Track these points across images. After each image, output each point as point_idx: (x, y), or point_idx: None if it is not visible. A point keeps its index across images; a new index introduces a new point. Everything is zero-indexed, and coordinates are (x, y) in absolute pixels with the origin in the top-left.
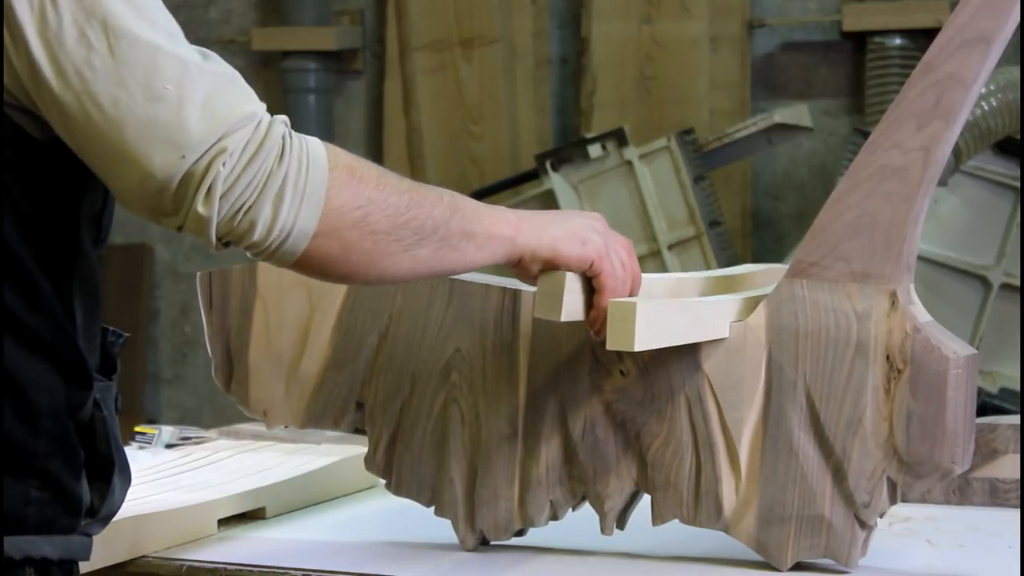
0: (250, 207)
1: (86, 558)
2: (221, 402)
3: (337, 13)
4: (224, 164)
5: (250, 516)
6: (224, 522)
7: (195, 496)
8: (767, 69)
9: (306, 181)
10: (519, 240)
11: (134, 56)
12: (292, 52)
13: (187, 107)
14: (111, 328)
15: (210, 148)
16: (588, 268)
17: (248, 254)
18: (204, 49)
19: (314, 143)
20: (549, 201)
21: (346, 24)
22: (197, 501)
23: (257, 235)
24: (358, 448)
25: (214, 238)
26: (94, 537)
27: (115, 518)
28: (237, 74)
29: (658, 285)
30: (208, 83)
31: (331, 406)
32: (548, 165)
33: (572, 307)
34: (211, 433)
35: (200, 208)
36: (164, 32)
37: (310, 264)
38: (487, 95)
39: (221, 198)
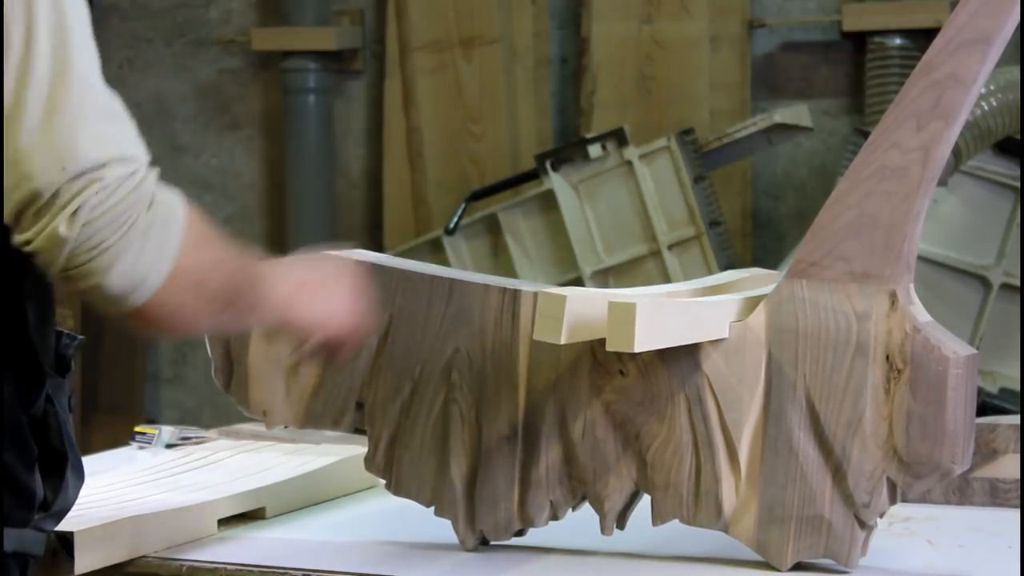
0: (109, 247)
1: (39, 552)
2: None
3: (337, 13)
4: (97, 193)
5: (250, 516)
6: (224, 522)
7: (195, 496)
8: (767, 69)
9: (166, 237)
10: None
11: (47, 64)
12: (292, 52)
13: (82, 126)
14: (66, 331)
15: (89, 171)
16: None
17: (80, 290)
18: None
19: (176, 201)
20: (549, 201)
21: (346, 24)
22: (197, 501)
23: (109, 277)
24: (357, 448)
25: (61, 261)
26: (93, 538)
27: (115, 518)
28: (132, 122)
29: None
30: (108, 114)
31: (331, 406)
32: (548, 165)
33: (573, 329)
34: (211, 433)
35: (61, 228)
36: (85, 56)
37: (138, 315)
38: (487, 95)
39: (84, 225)
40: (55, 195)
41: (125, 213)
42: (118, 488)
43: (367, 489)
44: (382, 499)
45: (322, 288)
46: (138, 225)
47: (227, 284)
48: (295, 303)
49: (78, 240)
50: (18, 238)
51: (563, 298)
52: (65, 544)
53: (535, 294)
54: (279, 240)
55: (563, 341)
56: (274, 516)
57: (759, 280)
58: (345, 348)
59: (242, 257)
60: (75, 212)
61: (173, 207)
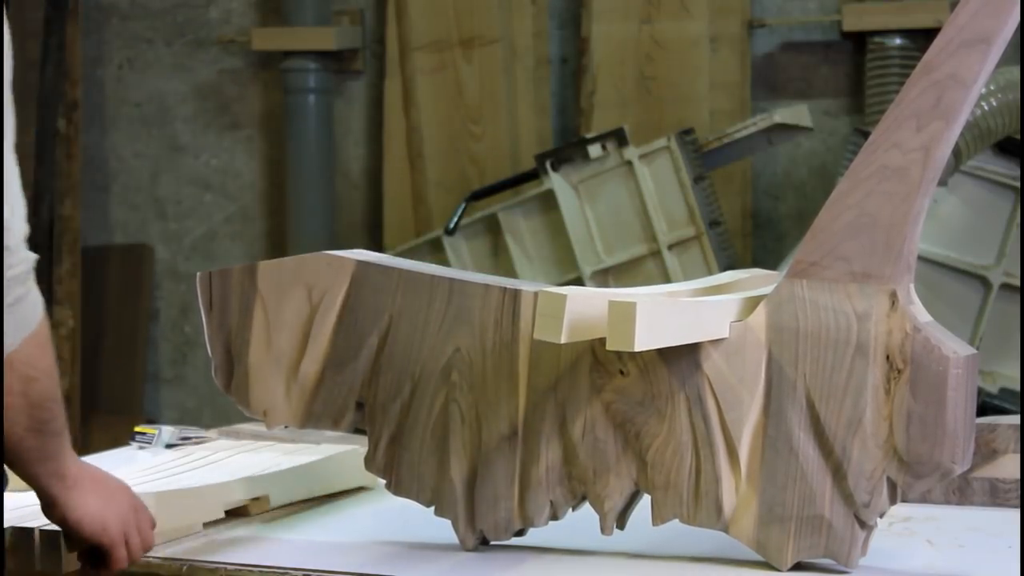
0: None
1: None
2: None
3: (337, 13)
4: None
5: (250, 515)
6: (223, 522)
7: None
8: (767, 69)
9: (28, 312)
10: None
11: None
12: (292, 52)
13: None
14: None
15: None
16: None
17: None
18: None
19: (37, 302)
20: (549, 201)
21: (346, 24)
22: (202, 483)
23: None
24: (349, 446)
25: None
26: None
27: None
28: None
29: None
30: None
31: (331, 406)
32: (548, 165)
33: (573, 328)
34: (211, 433)
35: None
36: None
37: None
38: (487, 95)
39: None
40: None
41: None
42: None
43: (361, 489)
44: (382, 499)
45: (106, 489)
46: (13, 293)
47: (46, 406)
48: (75, 486)
49: None
50: None
51: (563, 297)
52: (54, 540)
53: (535, 294)
54: (279, 240)
55: (563, 340)
56: (264, 512)
57: (759, 280)
58: (112, 561)
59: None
60: None
61: (38, 299)
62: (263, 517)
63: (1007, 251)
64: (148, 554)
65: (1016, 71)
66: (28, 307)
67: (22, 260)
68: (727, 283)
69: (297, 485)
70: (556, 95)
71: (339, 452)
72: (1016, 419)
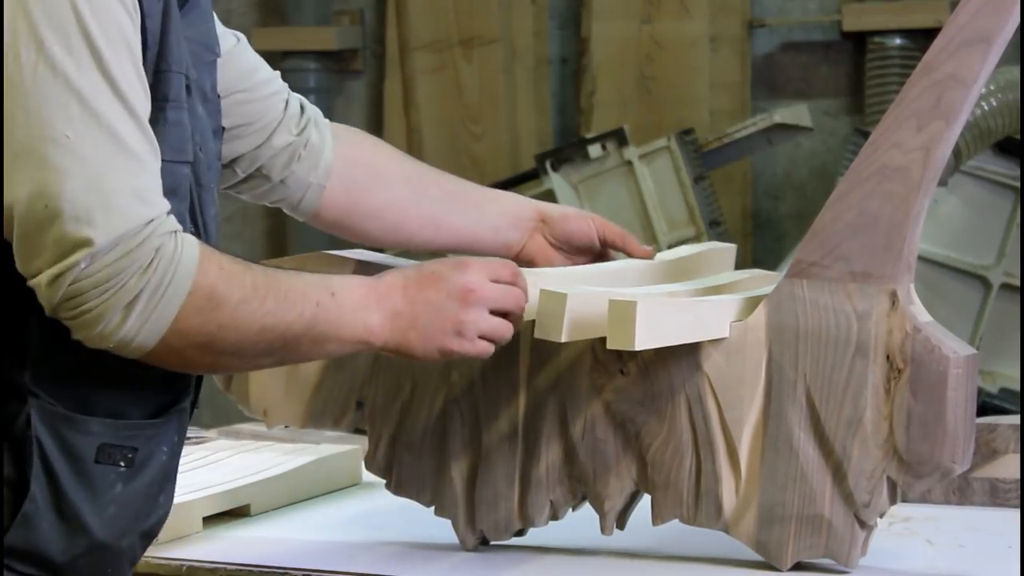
0: (91, 310)
1: None
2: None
3: (337, 13)
4: (84, 261)
5: (248, 515)
6: (224, 522)
7: (190, 496)
8: (767, 69)
9: (160, 300)
10: (375, 344)
11: (48, 89)
12: (292, 52)
13: (76, 168)
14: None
15: (77, 230)
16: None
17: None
18: (152, 137)
19: (188, 256)
20: (549, 201)
21: (346, 24)
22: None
23: (94, 333)
24: (348, 445)
25: (48, 308)
26: None
27: None
28: (154, 166)
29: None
30: (114, 162)
31: (331, 406)
32: (548, 165)
33: (573, 327)
34: (211, 433)
35: (44, 282)
36: (108, 91)
37: (155, 362)
38: (487, 95)
39: (70, 285)
40: (41, 235)
41: (113, 278)
42: None
43: (360, 488)
44: (381, 499)
45: (422, 316)
46: (126, 290)
47: (255, 339)
48: (391, 335)
49: (61, 300)
50: (17, 260)
51: (564, 296)
52: None
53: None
54: (279, 240)
55: (564, 339)
56: (259, 513)
57: (760, 280)
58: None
59: (289, 296)
60: (59, 276)
61: (178, 267)
62: (263, 517)
63: (1007, 251)
64: (148, 554)
65: (1016, 71)
66: (150, 297)
67: (140, 241)
68: (727, 283)
69: (279, 493)
70: (556, 95)
71: (321, 456)
72: (1016, 419)
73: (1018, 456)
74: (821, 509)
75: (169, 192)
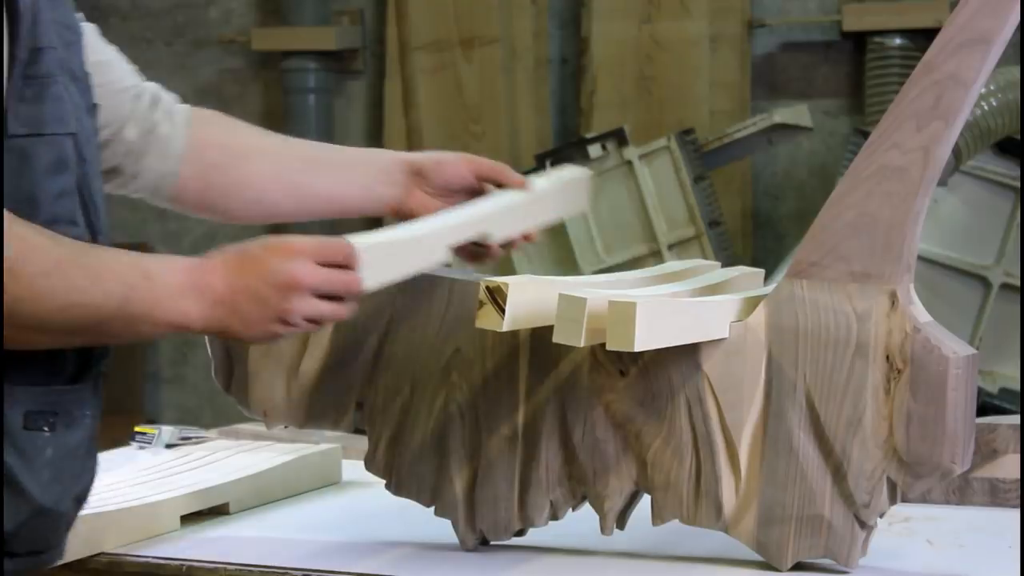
0: None
1: None
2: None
3: (337, 13)
4: None
5: (227, 513)
6: (223, 521)
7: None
8: (767, 69)
9: None
10: (194, 329)
11: None
12: (292, 52)
13: None
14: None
15: None
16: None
17: None
18: None
19: None
20: None
21: (346, 24)
22: (158, 499)
23: None
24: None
25: None
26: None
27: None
28: None
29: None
30: None
31: (331, 406)
32: (548, 165)
33: (592, 331)
34: (211, 433)
35: None
36: None
37: None
38: (487, 95)
39: None
40: None
41: None
42: (118, 488)
43: (359, 488)
44: (381, 498)
45: (243, 304)
46: None
47: (57, 317)
48: (209, 322)
49: None
50: None
51: (583, 301)
52: None
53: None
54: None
55: (583, 344)
56: (238, 512)
57: (749, 278)
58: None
59: (101, 272)
60: None
61: None
62: (263, 516)
63: (1007, 251)
64: (147, 554)
65: (1016, 71)
66: None
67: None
68: (719, 283)
69: (257, 491)
70: (556, 95)
71: (301, 455)
72: (1016, 419)
73: (1018, 456)
74: (821, 509)
75: (60, 165)
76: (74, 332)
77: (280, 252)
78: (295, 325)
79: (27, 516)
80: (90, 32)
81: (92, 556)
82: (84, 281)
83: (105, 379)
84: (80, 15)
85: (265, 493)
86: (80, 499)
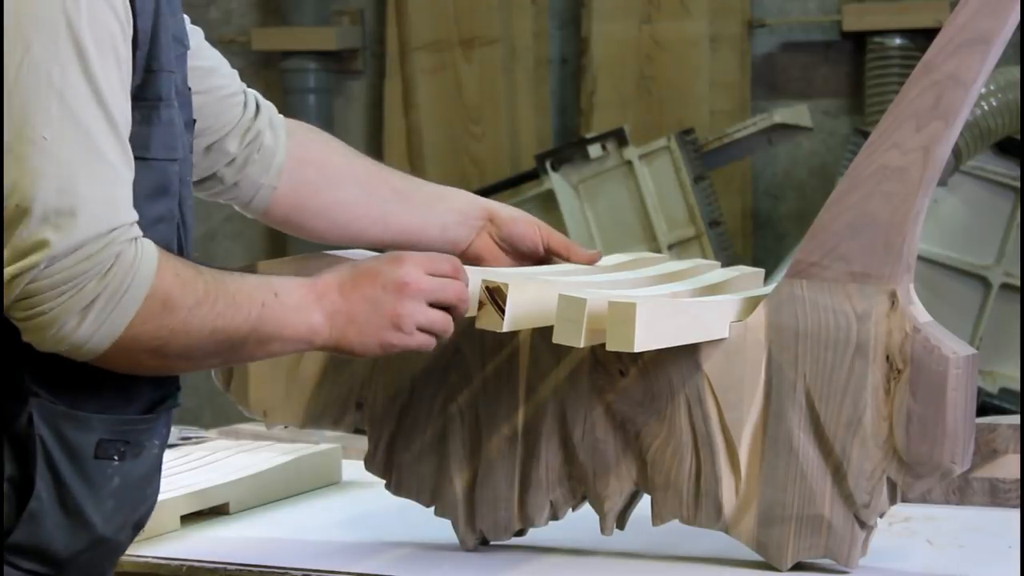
0: (45, 313)
1: None
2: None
3: (337, 13)
4: (44, 263)
5: (227, 513)
6: (223, 521)
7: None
8: (767, 69)
9: (116, 305)
10: (317, 342)
11: (31, 89)
12: (292, 52)
13: (50, 170)
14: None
15: (41, 232)
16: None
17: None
18: (128, 148)
19: (146, 267)
20: (549, 201)
21: (346, 24)
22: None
23: (47, 335)
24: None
25: (3, 306)
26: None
27: None
28: (127, 176)
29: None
30: (88, 168)
31: (331, 406)
32: (548, 165)
33: (592, 332)
34: (211, 433)
35: (3, 280)
36: (91, 97)
37: (104, 364)
38: (487, 95)
39: (27, 285)
40: (8, 237)
41: (71, 281)
42: None
43: (358, 487)
44: (381, 498)
45: (361, 313)
46: (83, 294)
47: (205, 341)
48: (331, 333)
49: (16, 298)
50: None
51: (583, 301)
52: None
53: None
54: (279, 240)
55: (583, 344)
56: (238, 512)
57: (749, 278)
58: (454, 301)
59: (238, 297)
60: (17, 275)
61: (136, 274)
62: (263, 516)
63: (1007, 251)
64: (147, 554)
65: (1016, 71)
66: (107, 302)
67: (101, 246)
68: (719, 282)
69: (257, 491)
70: (556, 95)
71: (300, 455)
72: (1016, 419)
73: (1018, 456)
74: (821, 509)
75: (161, 190)
76: (214, 355)
77: (391, 261)
78: (408, 333)
79: (86, 545)
80: (198, 36)
81: None
82: (226, 307)
83: (176, 411)
84: (186, 18)
85: (265, 493)
86: (138, 526)
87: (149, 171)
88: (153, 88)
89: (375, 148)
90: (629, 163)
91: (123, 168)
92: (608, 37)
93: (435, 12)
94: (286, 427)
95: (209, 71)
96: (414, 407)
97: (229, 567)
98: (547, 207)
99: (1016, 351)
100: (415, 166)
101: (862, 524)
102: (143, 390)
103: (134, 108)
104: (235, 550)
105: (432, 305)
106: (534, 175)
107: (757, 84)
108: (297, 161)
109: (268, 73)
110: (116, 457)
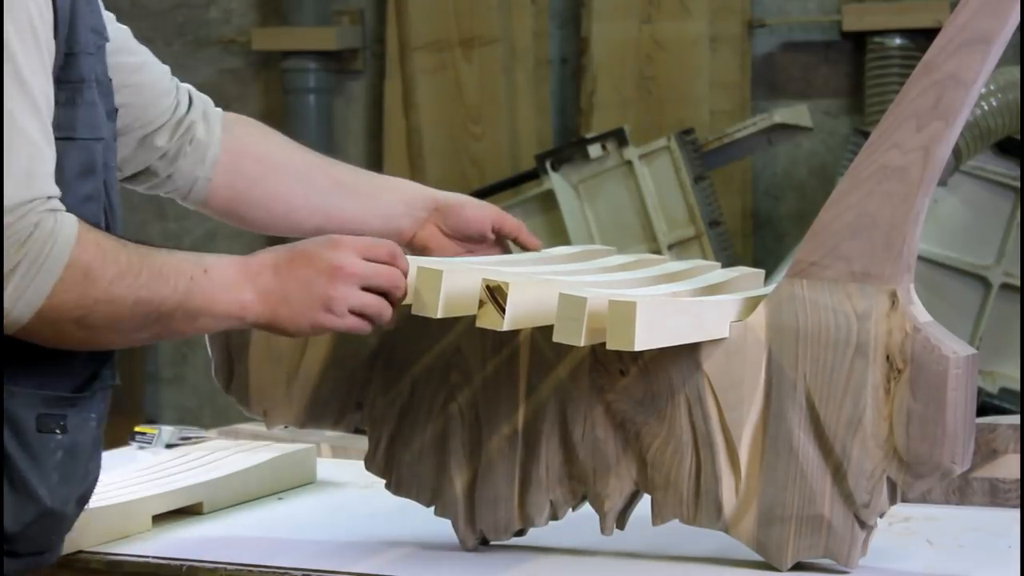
0: None
1: None
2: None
3: (337, 13)
4: None
5: (201, 513)
6: (222, 521)
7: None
8: (767, 69)
9: (37, 274)
10: (248, 319)
11: None
12: (292, 52)
13: None
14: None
15: None
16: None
17: None
18: (50, 128)
19: (64, 236)
20: (549, 201)
21: (346, 24)
22: (131, 498)
23: None
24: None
25: None
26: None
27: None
28: (48, 154)
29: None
30: (6, 144)
31: (331, 406)
32: (548, 165)
33: (592, 331)
34: (211, 433)
35: None
36: (9, 77)
37: (30, 336)
38: (487, 95)
39: None
40: None
41: None
42: (117, 488)
43: (356, 487)
44: (381, 499)
45: (293, 292)
46: (7, 260)
47: (130, 312)
48: (262, 310)
49: None
50: None
51: (584, 300)
52: None
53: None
54: (279, 240)
55: (583, 343)
56: (211, 512)
57: (750, 279)
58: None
59: (163, 271)
60: None
61: (52, 244)
62: (263, 517)
63: (1007, 251)
64: (147, 554)
65: (1016, 71)
66: (25, 271)
67: (19, 216)
68: (720, 282)
69: (231, 491)
70: (556, 95)
71: (275, 456)
72: (1016, 419)
73: (1018, 456)
74: (821, 509)
75: (88, 169)
76: (142, 328)
77: (327, 245)
78: (340, 315)
79: (33, 517)
80: (124, 34)
81: (93, 555)
82: (150, 279)
83: (112, 387)
84: (111, 16)
85: (239, 494)
86: (82, 501)
87: (76, 150)
88: (75, 70)
89: (375, 148)
90: (629, 163)
91: (44, 146)
92: (608, 37)
93: (435, 12)
94: (286, 427)
95: (137, 66)
96: (414, 407)
97: (229, 567)
98: (547, 207)
99: (1016, 351)
100: (415, 166)
101: (862, 524)
102: (75, 366)
103: (58, 90)
104: (236, 550)
105: (367, 289)
106: (534, 175)
107: (757, 84)
108: (234, 154)
109: (268, 73)
110: (58, 431)
